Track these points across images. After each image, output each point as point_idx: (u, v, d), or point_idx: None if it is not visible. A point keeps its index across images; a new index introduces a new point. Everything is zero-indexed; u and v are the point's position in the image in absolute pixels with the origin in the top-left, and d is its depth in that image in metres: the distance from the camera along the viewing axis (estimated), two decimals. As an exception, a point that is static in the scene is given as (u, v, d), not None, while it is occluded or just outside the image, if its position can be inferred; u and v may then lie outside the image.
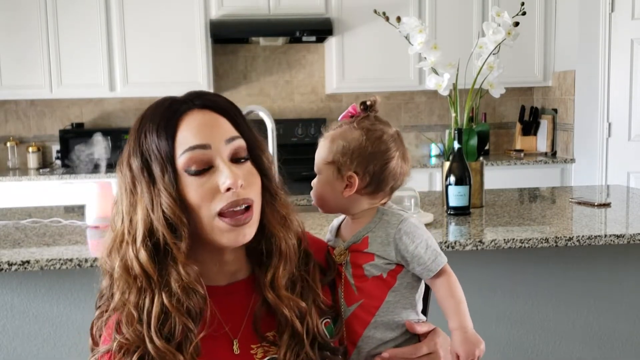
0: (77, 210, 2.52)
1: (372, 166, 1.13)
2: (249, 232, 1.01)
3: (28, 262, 1.78)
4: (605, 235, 1.97)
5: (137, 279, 0.96)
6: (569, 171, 4.35)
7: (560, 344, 2.27)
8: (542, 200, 2.79)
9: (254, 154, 1.04)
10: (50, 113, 4.52)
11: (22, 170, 4.36)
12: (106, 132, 4.09)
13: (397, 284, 1.12)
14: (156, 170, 0.97)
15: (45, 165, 4.45)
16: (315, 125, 4.55)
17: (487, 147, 4.48)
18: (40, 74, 4.15)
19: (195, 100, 1.02)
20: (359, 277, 1.13)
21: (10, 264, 1.78)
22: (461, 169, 2.28)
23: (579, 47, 4.19)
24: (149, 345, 0.94)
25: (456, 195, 2.28)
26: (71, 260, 1.80)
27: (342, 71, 4.36)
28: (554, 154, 4.59)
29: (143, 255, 0.95)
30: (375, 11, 2.42)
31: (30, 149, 4.37)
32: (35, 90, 4.19)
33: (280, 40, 4.46)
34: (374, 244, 1.12)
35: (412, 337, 1.14)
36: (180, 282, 0.95)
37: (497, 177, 3.94)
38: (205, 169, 0.98)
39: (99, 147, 3.60)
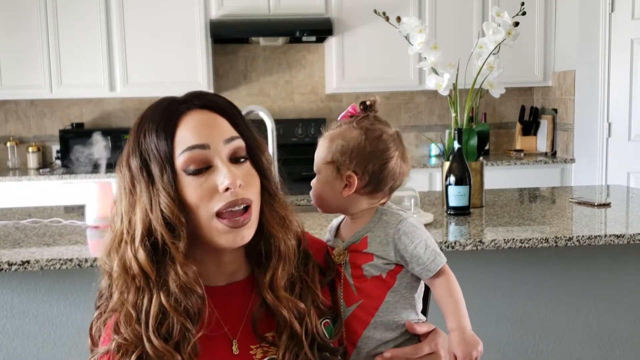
0: (77, 210, 2.52)
1: (371, 166, 1.13)
2: (247, 233, 1.01)
3: (28, 262, 1.78)
4: (605, 235, 1.97)
5: (135, 278, 0.96)
6: (569, 171, 4.35)
7: (560, 344, 2.27)
8: (542, 200, 2.79)
9: (253, 154, 1.04)
10: (50, 113, 4.52)
11: (22, 170, 4.36)
12: (106, 132, 4.10)
13: (396, 284, 1.12)
14: (155, 170, 0.97)
15: (45, 165, 4.45)
16: (315, 125, 4.55)
17: (487, 147, 4.48)
18: (40, 74, 4.16)
19: (195, 101, 1.02)
20: (358, 277, 1.13)
21: (10, 264, 1.78)
22: (461, 169, 2.28)
23: (579, 47, 4.19)
24: (147, 345, 0.94)
25: (456, 195, 2.28)
26: (71, 260, 1.80)
27: (342, 71, 4.36)
28: (554, 154, 4.59)
29: (141, 254, 0.95)
30: (375, 11, 2.42)
31: (30, 149, 4.37)
32: (35, 90, 4.19)
33: (280, 40, 4.46)
34: (373, 244, 1.12)
35: (412, 338, 1.14)
36: (178, 281, 0.95)
37: (497, 177, 3.94)
38: (204, 168, 0.98)
39: (99, 146, 3.60)
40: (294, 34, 4.23)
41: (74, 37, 4.14)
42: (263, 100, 4.63)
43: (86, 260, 1.80)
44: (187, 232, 0.97)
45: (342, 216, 1.21)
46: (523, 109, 4.74)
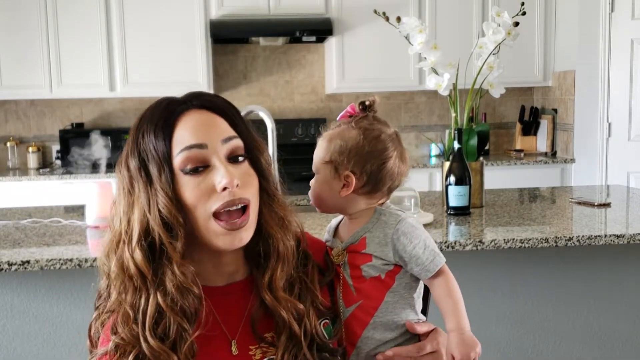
0: (77, 210, 2.52)
1: (369, 166, 1.12)
2: (245, 235, 1.00)
3: (28, 262, 1.78)
4: (605, 235, 1.97)
5: (132, 278, 0.96)
6: (569, 171, 4.35)
7: (560, 344, 2.27)
8: (542, 200, 2.79)
9: (251, 154, 1.03)
10: (50, 113, 4.52)
11: (22, 170, 4.36)
12: (106, 132, 4.11)
13: (395, 284, 1.12)
14: (153, 170, 0.97)
15: (45, 165, 4.45)
16: (315, 125, 4.55)
17: (487, 147, 4.48)
18: (40, 74, 4.16)
19: (193, 101, 1.02)
20: (357, 278, 1.13)
21: (10, 264, 1.78)
22: (461, 169, 2.28)
23: (579, 47, 4.19)
24: (144, 345, 0.94)
25: (456, 195, 2.28)
26: (71, 260, 1.80)
27: (342, 71, 4.36)
28: (554, 154, 4.59)
29: (138, 254, 0.95)
30: (375, 11, 2.42)
31: (30, 149, 4.37)
32: (35, 90, 4.19)
33: (280, 40, 4.46)
34: (372, 244, 1.12)
35: (412, 337, 1.14)
36: (175, 281, 0.95)
37: (497, 177, 3.94)
38: (202, 168, 0.98)
39: (99, 146, 3.60)
40: (294, 34, 4.23)
41: (74, 37, 4.14)
42: (263, 100, 4.63)
43: (86, 260, 1.80)
44: (185, 233, 0.97)
45: (340, 216, 1.21)
46: (523, 109, 4.74)
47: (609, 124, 3.99)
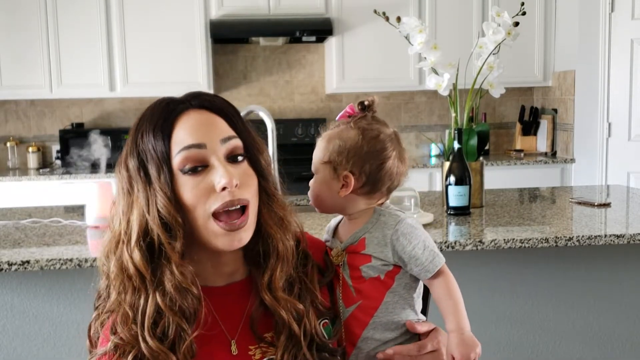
0: (77, 210, 2.52)
1: (368, 166, 1.12)
2: (245, 236, 1.00)
3: (28, 262, 1.78)
4: (605, 235, 1.97)
5: (132, 278, 0.96)
6: (569, 171, 4.35)
7: (560, 344, 2.27)
8: (542, 200, 2.79)
9: (251, 154, 1.03)
10: (50, 113, 4.52)
11: (22, 170, 4.36)
12: (106, 132, 4.11)
13: (394, 285, 1.12)
14: (152, 170, 0.97)
15: (45, 165, 4.45)
16: (315, 125, 4.54)
17: (487, 147, 4.48)
18: (40, 74, 4.16)
19: (192, 101, 1.02)
20: (356, 278, 1.12)
21: (10, 264, 1.78)
22: (461, 169, 2.28)
23: (579, 47, 4.19)
24: (142, 345, 0.94)
25: (456, 195, 2.28)
26: (71, 260, 1.80)
27: (342, 71, 4.36)
28: (554, 154, 4.59)
29: (137, 255, 0.95)
30: (375, 11, 2.42)
31: (30, 149, 4.37)
32: (35, 90, 4.19)
33: (280, 40, 4.46)
34: (371, 245, 1.12)
35: (412, 337, 1.14)
36: (174, 281, 0.95)
37: (497, 177, 3.94)
38: (201, 168, 0.98)
39: (99, 146, 3.60)
40: (294, 34, 4.23)
41: (73, 37, 4.14)
42: (263, 100, 4.63)
43: (86, 260, 1.80)
44: (184, 233, 0.97)
45: (340, 216, 1.21)
46: (523, 109, 4.74)
47: (609, 124, 3.99)
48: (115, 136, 4.22)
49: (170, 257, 0.96)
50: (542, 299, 2.25)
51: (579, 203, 2.49)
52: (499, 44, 2.32)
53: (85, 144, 3.93)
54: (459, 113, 2.41)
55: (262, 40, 4.43)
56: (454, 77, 2.32)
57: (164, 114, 0.99)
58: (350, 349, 1.12)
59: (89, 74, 4.18)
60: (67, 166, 4.22)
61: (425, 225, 2.06)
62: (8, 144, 4.41)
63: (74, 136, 4.25)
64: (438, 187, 4.04)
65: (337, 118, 1.19)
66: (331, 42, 4.37)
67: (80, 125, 4.45)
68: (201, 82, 4.22)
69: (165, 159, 0.97)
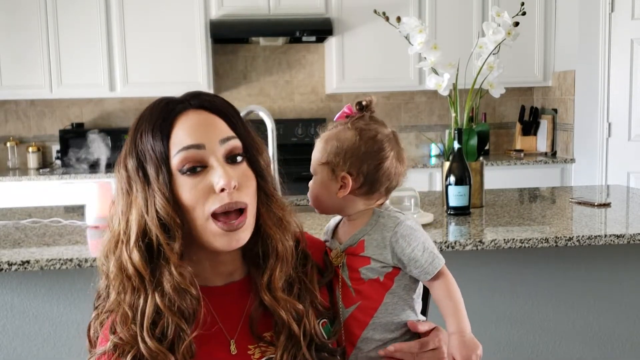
0: (77, 210, 2.52)
1: (366, 166, 1.12)
2: (243, 236, 1.00)
3: (28, 262, 1.78)
4: (605, 235, 1.97)
5: (131, 279, 0.96)
6: (569, 171, 4.35)
7: (560, 344, 2.27)
8: (542, 200, 2.79)
9: (250, 155, 1.03)
10: (50, 113, 4.52)
11: (22, 170, 4.36)
12: (106, 132, 4.09)
13: (394, 286, 1.12)
14: (151, 170, 0.97)
15: (45, 165, 4.45)
16: (315, 125, 4.53)
17: (487, 147, 4.48)
18: (40, 74, 4.16)
19: (192, 101, 1.02)
20: (355, 279, 1.12)
21: (10, 264, 1.78)
22: (461, 169, 2.28)
23: (579, 47, 4.19)
24: (141, 345, 0.94)
25: (456, 195, 2.28)
26: (71, 260, 1.80)
27: (342, 71, 4.36)
28: (554, 154, 4.59)
29: (135, 255, 0.95)
30: (375, 11, 2.42)
31: (30, 149, 4.37)
32: (35, 90, 4.19)
33: (280, 40, 4.46)
34: (370, 247, 1.11)
35: (412, 337, 1.13)
36: (172, 282, 0.95)
37: (497, 177, 3.94)
38: (200, 168, 0.97)
39: (99, 146, 3.60)
40: (294, 34, 4.23)
41: (73, 37, 4.14)
42: (263, 100, 4.63)
43: (86, 260, 1.80)
44: (182, 233, 0.97)
45: (339, 217, 1.21)
46: (523, 109, 4.74)
47: (609, 124, 3.99)
48: (115, 136, 4.20)
49: (169, 257, 0.96)
50: (542, 299, 2.24)
51: (579, 203, 2.49)
52: (499, 44, 2.32)
53: (85, 144, 3.92)
54: (459, 113, 2.41)
55: (262, 40, 4.43)
56: (454, 77, 2.32)
57: (162, 114, 0.99)
58: (350, 349, 1.12)
59: (89, 74, 4.18)
60: (67, 166, 4.22)
61: (425, 226, 2.06)
62: (8, 144, 4.42)
63: (74, 136, 4.25)
64: (438, 187, 4.04)
65: (335, 119, 1.18)
66: (331, 42, 4.37)
67: (80, 125, 4.45)
68: (201, 82, 4.22)
69: (163, 160, 0.97)
